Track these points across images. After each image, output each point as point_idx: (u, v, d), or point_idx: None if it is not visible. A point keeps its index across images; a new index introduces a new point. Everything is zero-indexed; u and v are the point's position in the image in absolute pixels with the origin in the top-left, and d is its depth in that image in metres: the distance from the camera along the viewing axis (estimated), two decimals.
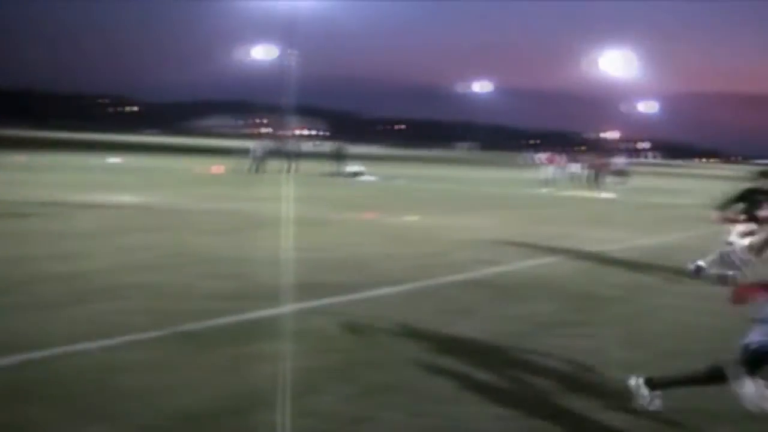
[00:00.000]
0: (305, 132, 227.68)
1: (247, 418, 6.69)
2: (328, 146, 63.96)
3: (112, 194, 27.40)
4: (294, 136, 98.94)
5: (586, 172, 54.30)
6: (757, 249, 14.45)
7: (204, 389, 7.34)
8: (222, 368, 7.99)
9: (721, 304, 12.70)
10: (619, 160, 58.45)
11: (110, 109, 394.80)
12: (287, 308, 10.45)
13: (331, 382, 7.67)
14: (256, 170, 47.36)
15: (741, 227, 14.65)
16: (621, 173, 56.01)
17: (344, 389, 7.48)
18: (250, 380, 7.60)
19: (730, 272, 14.62)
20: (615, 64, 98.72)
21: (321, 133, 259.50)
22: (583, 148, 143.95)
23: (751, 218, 14.55)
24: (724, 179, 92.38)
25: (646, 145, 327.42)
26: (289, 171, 47.13)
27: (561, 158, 57.11)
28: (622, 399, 7.51)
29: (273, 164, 48.45)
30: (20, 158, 48.06)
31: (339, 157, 52.07)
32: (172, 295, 11.35)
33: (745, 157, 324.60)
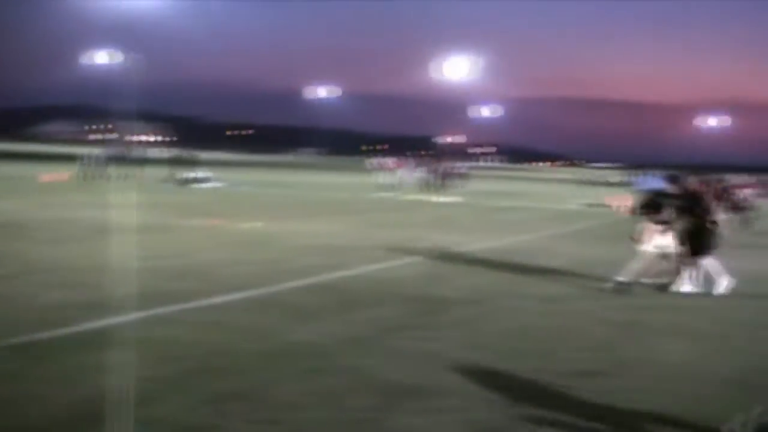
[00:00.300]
0: (150, 138, 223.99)
1: (84, 430, 6.54)
2: (173, 152, 63.02)
3: None
4: (138, 142, 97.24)
5: (430, 176, 54.98)
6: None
7: (41, 401, 7.12)
8: (60, 379, 7.77)
9: (560, 306, 13.15)
10: (461, 164, 59.58)
11: None
12: (130, 317, 10.26)
13: (172, 391, 7.55)
14: (99, 177, 46.37)
15: (656, 232, 15.17)
16: (462, 177, 56.96)
17: (186, 398, 7.37)
18: (88, 391, 7.41)
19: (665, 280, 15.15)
20: (461, 68, 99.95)
21: (166, 138, 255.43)
22: (428, 152, 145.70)
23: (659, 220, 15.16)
24: (566, 183, 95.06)
25: (491, 149, 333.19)
26: (133, 177, 46.32)
27: (406, 162, 57.70)
28: (466, 399, 7.67)
29: (117, 171, 47.52)
30: None
31: (186, 163, 51.36)
32: (12, 306, 10.99)
33: (588, 161, 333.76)
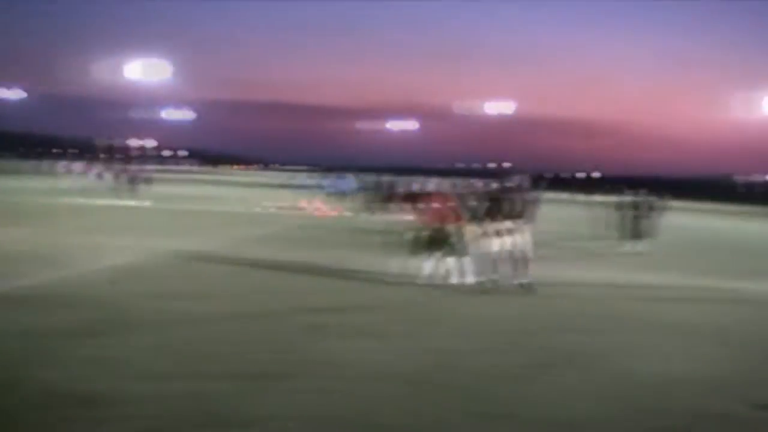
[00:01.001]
0: None
1: None
2: None
3: None
4: None
5: (118, 179, 54.00)
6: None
7: None
8: None
9: (250, 309, 13.41)
10: (148, 167, 58.85)
11: None
12: None
13: None
14: None
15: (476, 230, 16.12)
16: (147, 180, 56.30)
17: None
18: None
19: (494, 276, 16.08)
20: (150, 71, 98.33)
21: None
22: (116, 155, 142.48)
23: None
24: (256, 186, 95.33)
25: (181, 152, 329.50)
26: None
27: (94, 166, 56.44)
28: (143, 406, 7.85)
29: None
30: None
31: None
32: None
33: (279, 163, 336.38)
